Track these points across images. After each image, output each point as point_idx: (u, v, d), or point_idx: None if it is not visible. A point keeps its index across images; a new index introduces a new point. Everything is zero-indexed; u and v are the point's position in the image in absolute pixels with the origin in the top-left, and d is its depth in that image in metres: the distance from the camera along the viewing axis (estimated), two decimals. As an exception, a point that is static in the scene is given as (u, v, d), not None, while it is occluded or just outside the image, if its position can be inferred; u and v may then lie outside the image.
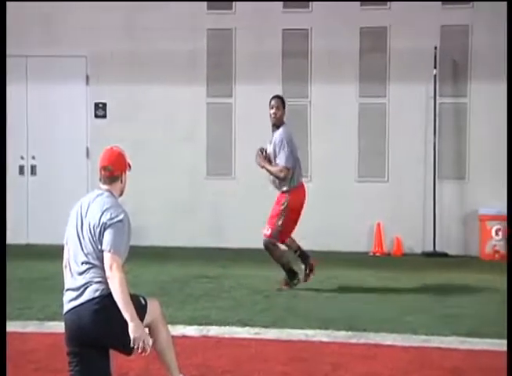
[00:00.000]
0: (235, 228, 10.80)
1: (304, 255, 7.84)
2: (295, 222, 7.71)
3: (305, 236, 10.34)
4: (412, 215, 10.54)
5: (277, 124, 7.64)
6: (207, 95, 10.98)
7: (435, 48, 10.32)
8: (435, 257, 10.18)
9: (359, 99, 10.66)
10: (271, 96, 7.94)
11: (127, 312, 3.80)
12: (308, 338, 5.79)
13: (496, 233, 10.06)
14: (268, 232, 7.59)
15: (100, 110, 11.04)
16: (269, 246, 7.60)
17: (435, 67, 10.31)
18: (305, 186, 7.92)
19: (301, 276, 7.74)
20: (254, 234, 10.63)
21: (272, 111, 7.64)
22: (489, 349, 5.50)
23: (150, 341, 3.92)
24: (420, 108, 10.52)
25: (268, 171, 7.62)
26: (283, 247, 7.86)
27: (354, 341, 5.72)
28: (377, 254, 10.44)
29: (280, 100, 7.73)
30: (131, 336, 3.80)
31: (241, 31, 10.82)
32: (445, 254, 10.29)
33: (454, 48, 10.46)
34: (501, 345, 5.56)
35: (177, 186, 10.92)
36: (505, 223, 10.04)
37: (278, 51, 10.77)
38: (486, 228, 10.11)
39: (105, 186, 4.13)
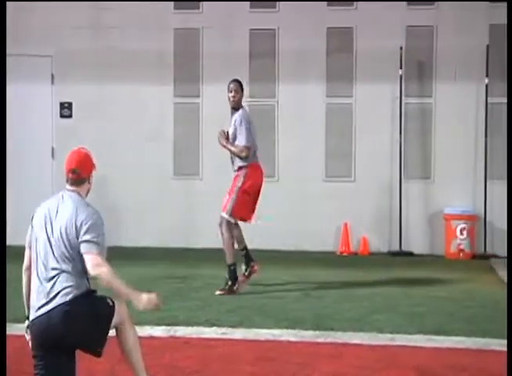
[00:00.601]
0: (203, 228, 10.77)
1: (248, 257, 7.82)
2: (254, 202, 7.69)
3: (273, 235, 10.40)
4: (378, 214, 10.62)
5: (236, 107, 7.80)
6: (174, 95, 10.94)
7: (401, 48, 10.41)
8: (401, 256, 10.27)
9: (326, 99, 10.71)
10: (230, 80, 8.00)
11: (124, 295, 3.93)
12: (276, 337, 5.80)
13: (461, 233, 10.16)
14: (225, 202, 7.60)
15: (66, 110, 10.94)
16: (223, 222, 7.57)
17: (401, 68, 10.40)
18: (262, 168, 7.88)
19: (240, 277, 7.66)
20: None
21: (231, 95, 7.78)
22: (455, 347, 5.55)
23: (155, 296, 4.02)
24: (386, 108, 10.60)
25: (230, 150, 7.72)
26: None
27: (321, 340, 5.73)
28: (344, 253, 10.50)
29: (238, 84, 7.86)
30: (142, 308, 3.93)
31: (208, 31, 10.81)
32: (410, 254, 10.38)
33: (419, 49, 10.56)
34: (466, 342, 5.64)
35: (144, 186, 10.86)
36: (470, 223, 10.17)
37: (245, 51, 10.77)
38: (451, 227, 10.21)
39: (72, 188, 4.11)
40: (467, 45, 10.36)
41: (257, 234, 10.63)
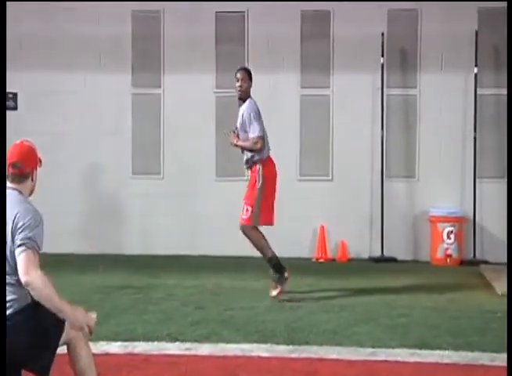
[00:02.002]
0: (164, 233, 10.77)
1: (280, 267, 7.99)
2: (272, 202, 7.89)
3: (241, 240, 10.38)
4: (358, 216, 10.68)
5: (243, 97, 7.90)
6: (132, 85, 10.91)
7: (382, 34, 10.48)
8: (383, 262, 10.34)
9: (301, 91, 10.75)
10: (237, 68, 8.08)
11: (57, 307, 3.84)
12: (245, 352, 5.81)
13: (448, 236, 10.26)
14: (246, 216, 7.76)
15: (10, 101, 10.85)
16: (246, 229, 7.83)
17: (382, 55, 10.47)
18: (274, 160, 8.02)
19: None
20: (184, 240, 10.68)
21: (238, 84, 7.88)
22: (441, 362, 5.60)
23: (93, 318, 3.97)
24: (367, 100, 10.67)
25: (242, 148, 7.85)
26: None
27: (295, 355, 5.76)
28: (321, 259, 10.55)
29: (246, 72, 7.97)
30: (76, 328, 3.90)
31: (170, 14, 10.80)
32: (393, 259, 10.46)
33: (402, 35, 10.65)
34: (453, 357, 5.70)
35: (99, 186, 10.82)
36: (457, 225, 10.28)
37: (211, 36, 10.78)
38: (437, 230, 10.31)
39: (13, 185, 4.07)
40: (454, 30, 10.47)
41: (225, 239, 10.66)
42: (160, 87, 10.89)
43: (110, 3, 10.70)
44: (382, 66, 10.50)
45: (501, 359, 5.52)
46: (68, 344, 4.11)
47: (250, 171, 7.92)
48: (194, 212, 10.76)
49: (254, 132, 7.72)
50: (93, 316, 4.00)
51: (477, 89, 10.39)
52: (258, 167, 7.77)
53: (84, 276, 8.82)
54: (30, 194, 4.14)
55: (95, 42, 10.77)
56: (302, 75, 10.72)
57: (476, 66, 10.35)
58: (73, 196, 10.77)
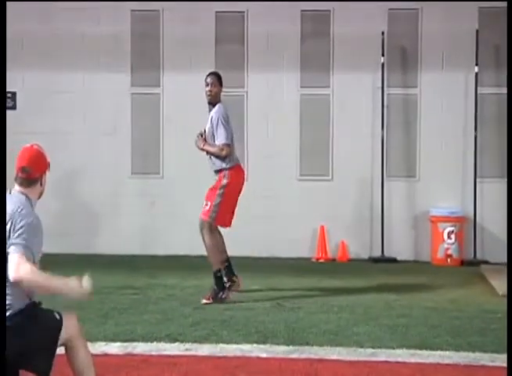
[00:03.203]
0: (163, 233, 10.76)
1: (230, 270, 7.91)
2: (233, 207, 7.83)
3: (241, 240, 10.40)
4: (358, 216, 10.68)
5: (213, 102, 7.85)
6: (131, 85, 10.91)
7: (382, 33, 10.48)
8: (383, 262, 10.34)
9: (301, 90, 10.74)
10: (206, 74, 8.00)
11: (52, 288, 3.88)
12: (245, 353, 5.81)
13: (449, 236, 10.26)
14: (207, 208, 7.70)
15: (9, 101, 10.85)
16: (205, 229, 7.72)
17: (383, 55, 10.47)
18: (243, 168, 8.02)
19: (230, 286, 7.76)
20: (184, 239, 10.65)
21: (208, 88, 7.84)
22: (442, 362, 5.60)
23: (86, 279, 3.96)
24: (367, 99, 10.67)
25: (208, 152, 7.80)
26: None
27: (295, 356, 5.75)
28: (321, 260, 10.55)
29: (216, 77, 7.91)
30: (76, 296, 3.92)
31: (169, 13, 10.79)
32: (393, 260, 10.46)
33: (403, 34, 10.65)
34: (454, 357, 5.69)
35: (98, 186, 10.81)
36: (458, 225, 10.28)
37: (211, 35, 10.77)
38: (438, 230, 10.31)
39: (21, 189, 4.08)
40: (455, 29, 10.47)
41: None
42: (159, 86, 10.89)
43: (110, 3, 10.69)
44: (382, 65, 10.50)
45: (502, 360, 5.52)
46: (66, 344, 4.11)
47: (216, 176, 7.81)
48: (197, 213, 10.71)
49: (220, 139, 7.66)
50: (85, 278, 3.98)
51: (478, 88, 10.39)
52: (224, 174, 7.70)
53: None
54: (38, 197, 4.17)
55: (94, 42, 10.77)
56: (302, 74, 10.72)
57: (477, 65, 10.34)
58: (71, 196, 10.76)
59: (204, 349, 5.90)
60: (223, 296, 7.61)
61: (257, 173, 10.67)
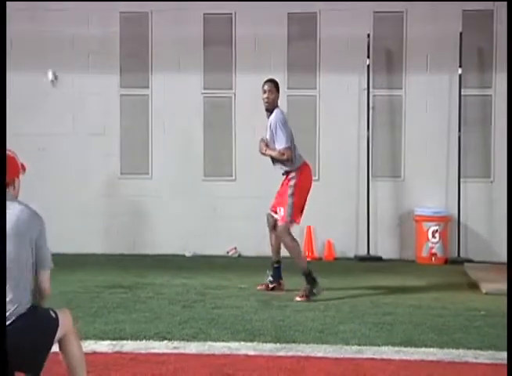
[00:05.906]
0: (152, 233, 10.76)
1: (279, 273, 8.09)
2: (303, 204, 7.97)
3: (230, 239, 10.40)
4: (344, 216, 10.71)
5: (270, 108, 7.97)
6: (120, 86, 10.89)
7: (368, 35, 10.51)
8: (369, 261, 10.38)
9: (287, 91, 10.75)
10: (264, 80, 8.06)
11: None
12: (233, 351, 5.81)
13: (433, 235, 10.31)
14: (282, 213, 7.80)
15: (-2, 102, 10.80)
16: (284, 233, 7.78)
17: (368, 57, 10.50)
18: (310, 165, 8.15)
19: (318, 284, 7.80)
20: (173, 239, 10.66)
21: (265, 96, 7.96)
22: (426, 359, 5.62)
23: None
24: (353, 101, 10.70)
25: (271, 157, 7.95)
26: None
27: (282, 353, 5.76)
28: (308, 259, 10.54)
29: (273, 84, 8.00)
30: None
31: (158, 15, 10.78)
32: (379, 258, 10.50)
33: (388, 37, 10.68)
34: (438, 354, 5.72)
35: (87, 186, 10.79)
36: (442, 224, 10.32)
37: (199, 37, 10.77)
38: (422, 229, 10.35)
39: None
40: (439, 32, 10.51)
41: (213, 239, 10.67)
42: (148, 87, 10.88)
43: (99, 4, 10.66)
44: (368, 67, 10.53)
45: (485, 357, 5.57)
46: (60, 341, 4.11)
47: (284, 178, 7.99)
48: (185, 212, 10.74)
49: (280, 143, 7.81)
50: None
51: (462, 90, 10.44)
52: (291, 176, 7.88)
53: (73, 276, 8.80)
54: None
55: (83, 43, 10.75)
56: (289, 76, 10.73)
57: (460, 67, 10.39)
58: (61, 196, 10.73)
59: (192, 347, 5.90)
60: (316, 291, 7.68)
61: (245, 174, 10.70)
